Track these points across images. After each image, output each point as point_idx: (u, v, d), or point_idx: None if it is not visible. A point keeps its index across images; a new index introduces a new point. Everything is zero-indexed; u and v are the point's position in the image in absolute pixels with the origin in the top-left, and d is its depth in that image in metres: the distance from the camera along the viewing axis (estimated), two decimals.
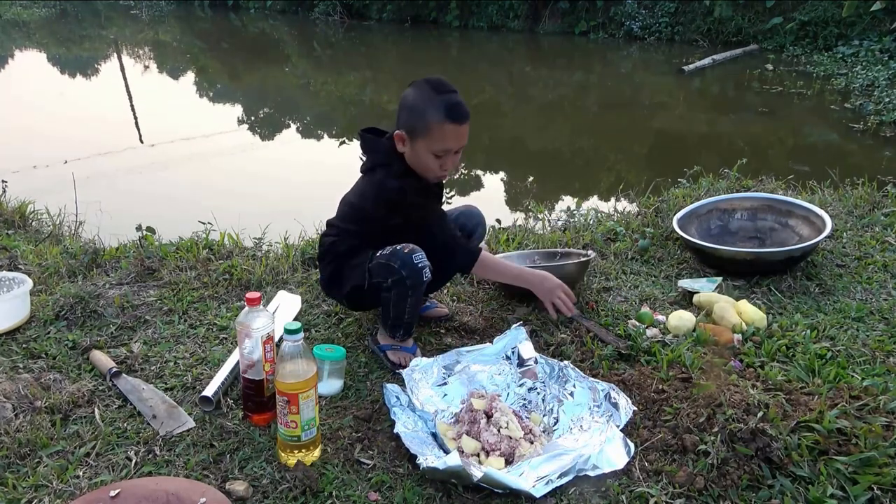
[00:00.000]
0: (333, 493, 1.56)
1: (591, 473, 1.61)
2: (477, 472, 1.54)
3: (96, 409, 1.86)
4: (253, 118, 8.35)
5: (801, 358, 2.07)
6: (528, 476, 1.59)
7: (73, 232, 3.41)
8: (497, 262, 2.24)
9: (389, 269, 1.93)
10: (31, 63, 12.57)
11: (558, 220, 3.48)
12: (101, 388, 1.96)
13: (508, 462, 1.69)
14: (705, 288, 2.54)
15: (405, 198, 1.98)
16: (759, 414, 1.70)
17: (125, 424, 1.81)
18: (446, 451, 1.67)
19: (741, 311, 2.32)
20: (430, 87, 1.90)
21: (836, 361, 2.04)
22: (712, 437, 1.66)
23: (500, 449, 1.71)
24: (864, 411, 1.74)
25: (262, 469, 1.65)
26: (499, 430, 1.76)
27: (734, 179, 3.69)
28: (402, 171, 1.99)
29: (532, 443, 1.76)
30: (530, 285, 2.21)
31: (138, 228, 2.96)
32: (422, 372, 1.99)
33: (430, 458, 1.59)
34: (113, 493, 1.51)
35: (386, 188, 1.99)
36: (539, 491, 1.55)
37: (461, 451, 1.68)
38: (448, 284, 2.54)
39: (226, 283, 2.61)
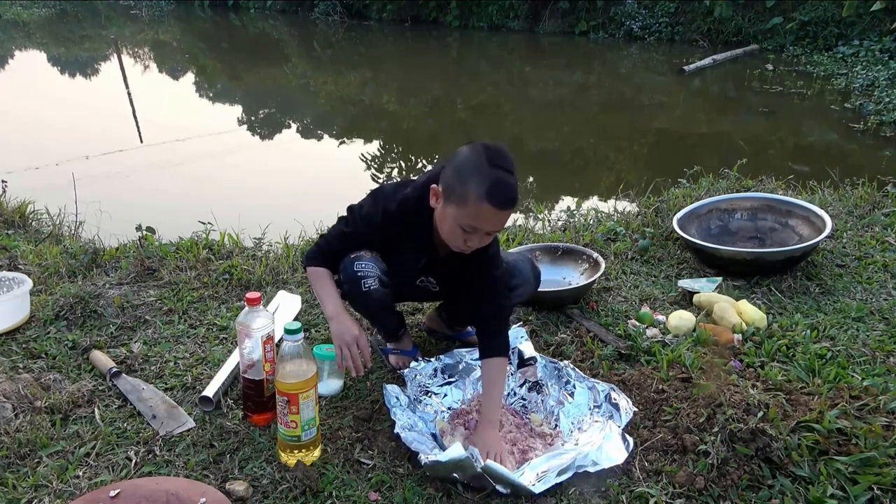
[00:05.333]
0: (333, 493, 1.56)
1: (591, 469, 1.61)
2: (480, 462, 1.56)
3: (96, 409, 1.86)
4: (253, 118, 8.35)
5: (801, 358, 2.07)
6: (528, 475, 1.59)
7: (73, 232, 3.41)
8: (321, 286, 1.90)
9: (339, 272, 1.88)
10: (31, 63, 12.57)
11: (558, 220, 3.48)
12: (101, 388, 1.96)
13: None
14: (705, 288, 2.54)
15: (370, 209, 1.84)
16: (759, 414, 1.70)
17: (125, 424, 1.81)
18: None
19: (741, 311, 2.32)
20: (485, 154, 1.65)
21: (836, 361, 2.04)
22: (712, 437, 1.66)
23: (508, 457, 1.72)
24: (864, 411, 1.74)
25: (262, 469, 1.65)
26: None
27: (734, 179, 3.68)
28: (414, 204, 1.80)
29: (551, 444, 1.77)
30: (331, 328, 1.86)
31: (138, 228, 2.96)
32: (423, 373, 1.99)
33: (431, 456, 1.59)
34: (113, 493, 1.51)
35: (384, 190, 1.89)
36: (538, 488, 1.55)
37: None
38: None
39: (226, 283, 2.61)
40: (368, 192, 1.92)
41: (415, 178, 1.92)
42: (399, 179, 1.99)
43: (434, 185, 1.74)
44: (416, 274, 1.98)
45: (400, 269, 1.92)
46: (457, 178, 1.66)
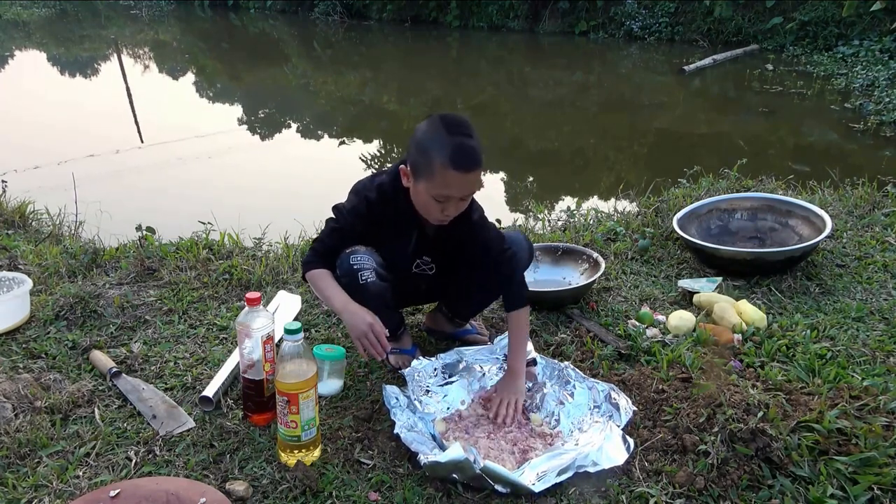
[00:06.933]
0: (333, 493, 1.56)
1: (591, 470, 1.61)
2: (479, 462, 1.56)
3: (96, 409, 1.86)
4: (253, 118, 8.35)
5: (801, 358, 2.07)
6: (528, 475, 1.59)
7: (73, 232, 3.41)
8: (325, 285, 1.90)
9: (336, 268, 1.91)
10: (31, 63, 12.57)
11: (558, 220, 3.48)
12: (101, 388, 1.96)
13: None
14: (705, 288, 2.54)
15: (354, 202, 1.90)
16: (759, 414, 1.70)
17: (125, 424, 1.81)
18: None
19: (741, 311, 2.32)
20: (443, 124, 1.72)
21: (836, 361, 2.04)
22: (712, 437, 1.66)
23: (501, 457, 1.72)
24: (864, 411, 1.74)
25: (262, 469, 1.65)
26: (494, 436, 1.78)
27: (734, 179, 3.68)
28: (391, 187, 1.86)
29: (551, 444, 1.76)
30: (343, 321, 1.90)
31: (138, 228, 2.96)
32: (423, 372, 1.99)
33: (430, 456, 1.59)
34: (113, 493, 1.51)
35: (361, 182, 1.93)
36: (538, 487, 1.55)
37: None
38: None
39: (226, 283, 2.61)
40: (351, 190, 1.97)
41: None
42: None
43: (402, 166, 1.81)
44: (411, 256, 2.00)
45: (395, 254, 1.96)
46: (420, 153, 1.74)
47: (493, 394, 1.93)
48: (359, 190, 1.92)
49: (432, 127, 1.73)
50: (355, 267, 1.86)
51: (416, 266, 2.04)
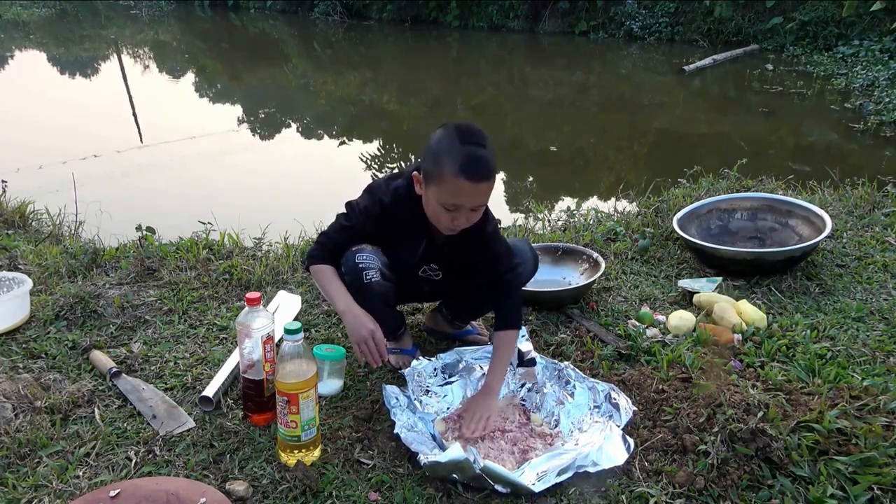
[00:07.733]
0: (333, 493, 1.56)
1: (591, 470, 1.61)
2: (479, 462, 1.56)
3: (96, 409, 1.86)
4: (253, 118, 8.35)
5: (801, 358, 2.07)
6: (528, 475, 1.59)
7: (73, 232, 3.41)
8: (329, 283, 1.90)
9: (341, 265, 1.91)
10: (31, 63, 12.57)
11: (558, 220, 3.48)
12: (101, 388, 1.96)
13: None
14: (705, 288, 2.54)
15: (367, 202, 1.89)
16: (759, 414, 1.70)
17: (125, 424, 1.81)
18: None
19: (741, 311, 2.33)
20: (456, 133, 1.71)
21: (836, 361, 2.04)
22: (712, 437, 1.66)
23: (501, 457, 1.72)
24: (864, 411, 1.74)
25: (262, 469, 1.65)
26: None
27: (734, 179, 3.68)
28: (405, 192, 1.86)
29: (551, 444, 1.76)
30: (345, 323, 1.89)
31: (138, 228, 2.96)
32: (423, 372, 1.99)
33: (430, 456, 1.59)
34: (113, 493, 1.51)
35: (377, 182, 1.94)
36: (538, 487, 1.55)
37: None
38: None
39: (226, 283, 2.61)
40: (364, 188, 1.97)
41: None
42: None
43: (415, 173, 1.80)
44: (418, 262, 2.00)
45: (402, 258, 1.95)
46: (432, 160, 1.73)
47: (465, 410, 1.87)
48: (374, 190, 1.92)
49: (446, 135, 1.72)
50: (360, 266, 1.86)
51: (423, 271, 2.04)
